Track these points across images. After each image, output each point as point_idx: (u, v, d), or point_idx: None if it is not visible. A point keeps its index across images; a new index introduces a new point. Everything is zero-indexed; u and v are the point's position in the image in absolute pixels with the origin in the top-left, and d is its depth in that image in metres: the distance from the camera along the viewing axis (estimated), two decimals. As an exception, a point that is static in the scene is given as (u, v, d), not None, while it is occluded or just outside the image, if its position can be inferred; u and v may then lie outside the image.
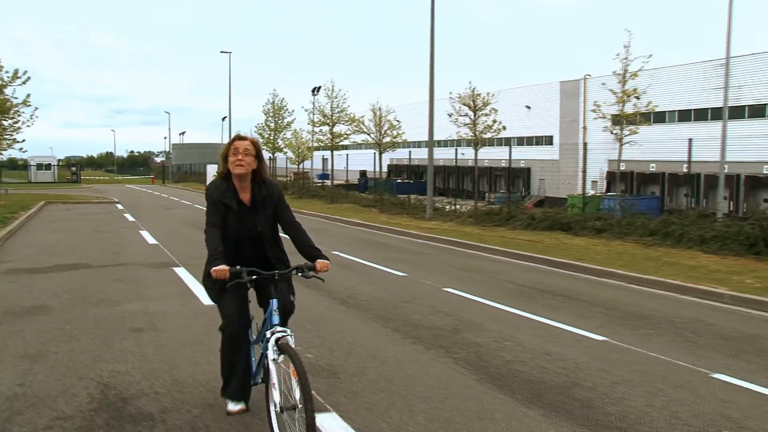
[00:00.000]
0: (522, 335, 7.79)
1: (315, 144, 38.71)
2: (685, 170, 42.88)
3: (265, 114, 42.78)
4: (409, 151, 32.00)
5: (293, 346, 4.14)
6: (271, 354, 4.17)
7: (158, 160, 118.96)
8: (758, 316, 9.40)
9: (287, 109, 42.43)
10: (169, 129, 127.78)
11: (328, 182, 40.64)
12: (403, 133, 30.80)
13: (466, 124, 23.09)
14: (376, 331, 7.85)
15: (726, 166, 43.72)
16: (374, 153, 31.57)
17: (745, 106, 43.56)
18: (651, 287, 11.47)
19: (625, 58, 18.42)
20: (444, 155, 51.63)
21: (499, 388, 5.85)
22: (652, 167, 47.07)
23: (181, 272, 12.08)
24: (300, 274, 4.48)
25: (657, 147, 40.33)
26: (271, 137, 42.68)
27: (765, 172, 39.26)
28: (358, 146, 56.19)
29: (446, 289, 10.75)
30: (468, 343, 7.36)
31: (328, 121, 33.65)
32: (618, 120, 19.04)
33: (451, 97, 23.52)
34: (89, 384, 5.73)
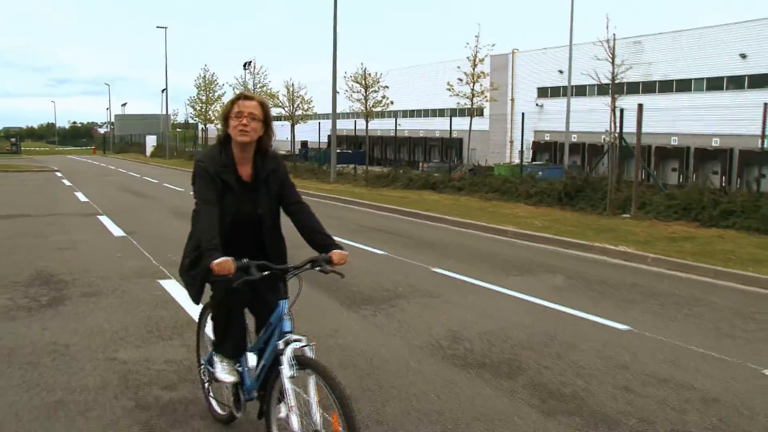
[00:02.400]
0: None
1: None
2: (602, 140, 46.88)
3: (197, 88, 45.86)
4: (318, 123, 35.20)
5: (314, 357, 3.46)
6: (287, 370, 3.38)
7: (102, 131, 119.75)
8: (520, 244, 13.20)
9: (218, 83, 45.55)
10: (110, 100, 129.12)
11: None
12: (313, 106, 34.28)
13: (358, 100, 26.77)
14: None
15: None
16: (319, 123, 35.03)
17: (656, 81, 47.43)
18: (465, 228, 15.26)
19: (475, 46, 22.14)
20: (381, 126, 54.89)
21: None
22: (574, 138, 50.76)
23: (103, 219, 15.44)
24: (318, 268, 3.69)
25: (580, 118, 43.45)
26: (203, 110, 45.78)
27: (673, 143, 42.08)
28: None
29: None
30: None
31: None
32: (470, 96, 22.67)
33: (345, 77, 27.16)
34: (30, 271, 9.23)
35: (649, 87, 48.15)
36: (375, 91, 26.58)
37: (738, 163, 37.39)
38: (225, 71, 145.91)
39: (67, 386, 5.00)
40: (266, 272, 3.56)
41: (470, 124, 22.72)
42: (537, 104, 57.84)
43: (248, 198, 3.86)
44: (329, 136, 65.13)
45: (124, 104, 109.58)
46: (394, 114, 65.53)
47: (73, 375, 5.24)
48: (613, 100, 16.05)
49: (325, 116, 61.34)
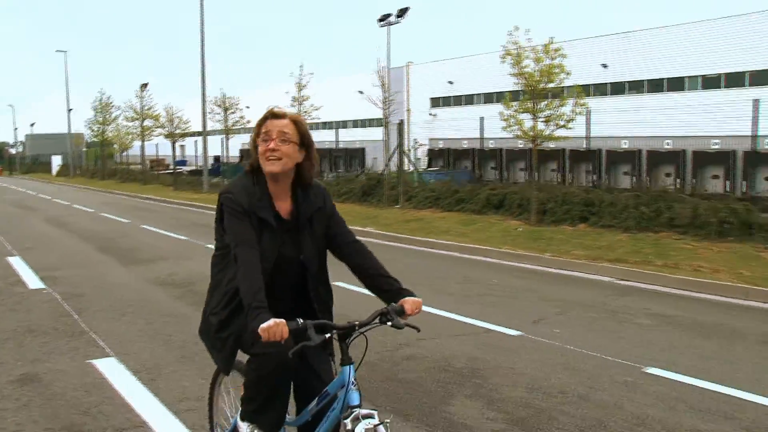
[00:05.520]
0: (140, 236, 16.02)
1: (127, 134, 45.82)
2: (491, 146, 51.75)
3: (94, 110, 49.55)
4: (195, 141, 39.71)
5: None
6: None
7: (13, 151, 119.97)
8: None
9: (113, 105, 49.36)
10: (14, 120, 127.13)
11: (185, 168, 47.37)
12: (190, 126, 38.72)
13: (218, 121, 31.50)
14: (79, 243, 15.84)
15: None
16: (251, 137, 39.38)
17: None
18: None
19: (300, 75, 27.11)
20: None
21: (85, 240, 14.03)
22: (465, 144, 55.65)
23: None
24: (390, 323, 3.02)
25: (468, 126, 47.87)
26: (100, 130, 49.58)
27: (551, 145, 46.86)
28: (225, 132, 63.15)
29: (144, 226, 18.81)
30: (101, 236, 15.52)
31: (137, 117, 41.23)
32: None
33: (210, 100, 31.83)
34: None
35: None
36: (233, 113, 31.31)
37: (606, 162, 42.89)
38: (121, 93, 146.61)
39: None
40: (327, 335, 2.96)
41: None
42: (430, 113, 62.66)
43: (289, 240, 3.21)
44: (241, 150, 69.50)
45: (32, 124, 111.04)
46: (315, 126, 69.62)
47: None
48: (385, 117, 21.00)
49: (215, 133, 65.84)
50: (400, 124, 20.52)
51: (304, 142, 3.19)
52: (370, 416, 2.83)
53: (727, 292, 9.84)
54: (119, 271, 11.61)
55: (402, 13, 32.77)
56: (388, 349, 6.80)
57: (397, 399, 5.49)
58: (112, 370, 6.17)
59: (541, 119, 16.39)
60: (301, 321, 2.86)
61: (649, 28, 42.89)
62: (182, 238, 16.10)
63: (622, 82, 45.76)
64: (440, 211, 19.22)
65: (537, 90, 16.19)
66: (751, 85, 37.55)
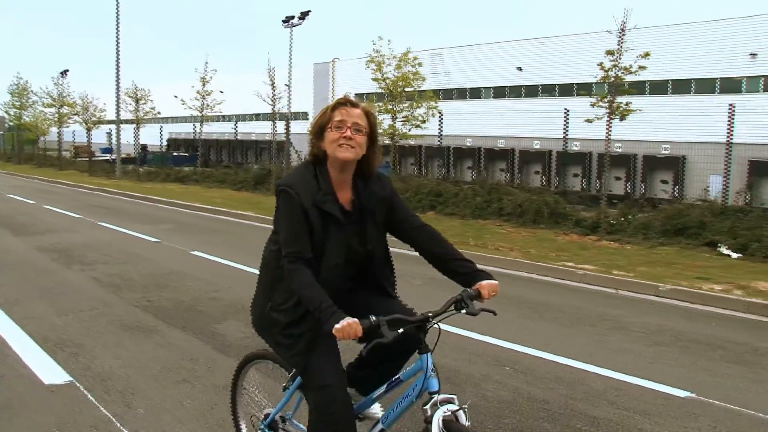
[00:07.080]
0: (40, 214, 17.93)
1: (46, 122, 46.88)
2: (410, 143, 53.64)
3: (11, 94, 50.19)
4: (160, 126, 41.75)
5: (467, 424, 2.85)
6: None
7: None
8: (185, 212, 19.98)
9: (31, 90, 50.06)
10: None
11: (112, 156, 48.38)
12: (105, 114, 40.24)
13: (130, 111, 33.30)
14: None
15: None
16: (161, 127, 41.35)
17: (453, 89, 54.92)
18: (165, 205, 21.88)
19: (203, 72, 29.19)
20: (219, 129, 59.78)
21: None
22: (386, 140, 57.41)
23: None
24: (464, 311, 3.04)
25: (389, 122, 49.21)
26: (17, 115, 50.30)
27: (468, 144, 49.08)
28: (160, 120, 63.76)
29: (47, 206, 20.61)
30: (1, 214, 17.38)
31: (55, 103, 42.41)
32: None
33: (123, 92, 33.64)
34: None
35: (447, 94, 55.74)
36: (144, 104, 33.18)
37: (518, 162, 45.24)
38: (38, 79, 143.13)
39: None
40: (401, 329, 2.86)
41: (200, 129, 29.62)
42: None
43: (353, 231, 3.18)
44: (168, 139, 70.32)
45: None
46: (229, 118, 70.67)
47: None
48: (273, 113, 23.26)
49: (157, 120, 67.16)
50: (287, 118, 22.77)
51: (373, 134, 3.18)
52: (450, 401, 2.89)
53: (506, 264, 12.37)
54: (9, 240, 13.61)
55: (304, 15, 35.30)
56: (203, 293, 9.12)
57: (187, 319, 7.81)
58: (-19, 303, 8.32)
59: (400, 119, 18.92)
60: (374, 318, 2.82)
61: (562, 35, 45.14)
62: (78, 216, 18.00)
63: (536, 85, 48.32)
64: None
65: (396, 93, 18.70)
66: (651, 93, 40.36)
